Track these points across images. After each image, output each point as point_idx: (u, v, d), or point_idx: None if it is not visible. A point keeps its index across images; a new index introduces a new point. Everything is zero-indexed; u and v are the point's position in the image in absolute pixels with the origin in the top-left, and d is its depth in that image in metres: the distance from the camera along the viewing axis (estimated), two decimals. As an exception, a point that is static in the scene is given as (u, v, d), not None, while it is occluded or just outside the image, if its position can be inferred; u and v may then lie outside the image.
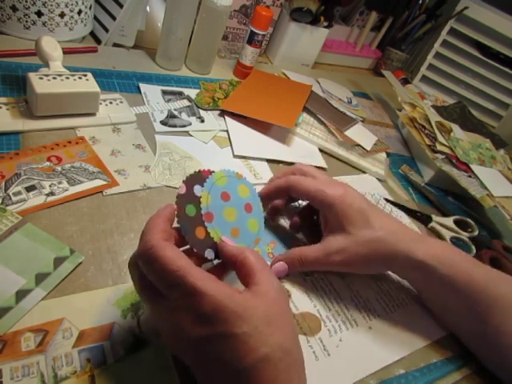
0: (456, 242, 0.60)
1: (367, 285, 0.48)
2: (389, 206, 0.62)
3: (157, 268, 0.28)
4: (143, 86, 0.65)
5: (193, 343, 0.29)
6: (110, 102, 0.58)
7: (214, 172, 0.36)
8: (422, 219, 0.63)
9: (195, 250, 0.33)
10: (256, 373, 0.28)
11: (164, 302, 0.29)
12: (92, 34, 0.72)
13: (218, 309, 0.28)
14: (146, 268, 0.29)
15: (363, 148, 0.71)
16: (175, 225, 0.33)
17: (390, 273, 0.50)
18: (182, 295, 0.28)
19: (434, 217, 0.63)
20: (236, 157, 0.60)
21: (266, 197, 0.46)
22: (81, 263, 0.39)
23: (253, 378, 0.28)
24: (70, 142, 0.50)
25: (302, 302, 0.43)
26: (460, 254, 0.43)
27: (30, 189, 0.43)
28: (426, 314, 0.47)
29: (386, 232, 0.42)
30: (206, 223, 0.33)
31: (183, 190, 0.33)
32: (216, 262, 0.35)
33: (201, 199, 0.34)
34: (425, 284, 0.44)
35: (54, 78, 0.50)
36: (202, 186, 0.35)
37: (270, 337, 0.29)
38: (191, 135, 0.60)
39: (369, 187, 0.66)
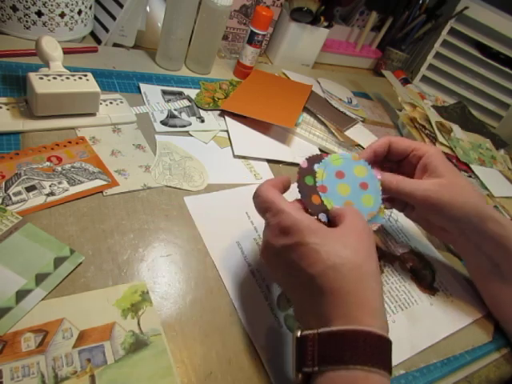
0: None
1: None
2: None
3: (257, 200, 0.39)
4: (143, 86, 0.65)
5: (277, 252, 0.35)
6: (110, 102, 0.58)
7: (330, 155, 0.43)
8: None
9: (310, 211, 0.39)
10: (324, 279, 0.32)
11: (265, 227, 0.38)
12: (92, 33, 0.72)
13: (296, 223, 0.34)
14: (254, 201, 0.39)
15: (363, 148, 0.71)
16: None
17: (390, 274, 0.50)
18: (271, 215, 0.36)
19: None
20: (236, 157, 0.60)
21: (370, 155, 0.51)
22: (81, 263, 0.39)
23: (321, 284, 0.32)
24: (70, 142, 0.50)
25: None
26: None
27: (30, 189, 0.43)
28: (427, 315, 0.47)
29: (473, 188, 0.47)
30: (320, 193, 0.40)
31: (305, 165, 0.41)
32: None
33: (317, 174, 0.41)
34: (495, 255, 0.47)
35: (54, 78, 0.50)
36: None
37: (342, 252, 0.33)
38: (191, 135, 0.60)
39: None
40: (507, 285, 0.46)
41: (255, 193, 0.39)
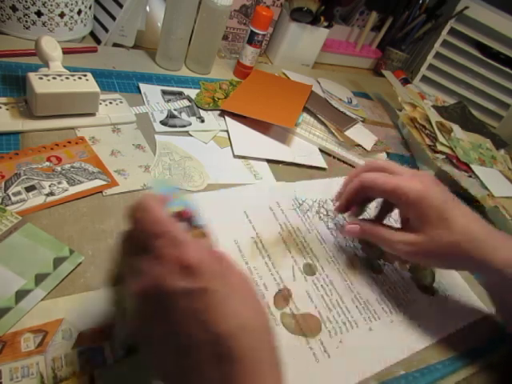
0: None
1: (368, 286, 0.48)
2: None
3: (148, 216, 0.28)
4: (143, 86, 0.65)
5: (168, 298, 0.27)
6: (110, 102, 0.58)
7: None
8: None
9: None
10: (235, 342, 0.26)
11: (147, 256, 0.28)
12: (92, 33, 0.72)
13: (203, 261, 0.27)
14: (138, 217, 0.29)
15: (363, 148, 0.71)
16: None
17: (390, 273, 0.50)
18: (167, 245, 0.27)
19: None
20: (236, 157, 0.60)
21: (345, 205, 0.47)
22: (80, 263, 0.38)
23: (231, 346, 0.26)
24: (69, 142, 0.50)
25: (302, 302, 0.43)
26: None
27: (29, 189, 0.43)
28: (426, 315, 0.47)
29: (464, 237, 0.40)
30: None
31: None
32: None
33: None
34: (500, 291, 0.43)
35: (54, 78, 0.50)
36: None
37: (244, 305, 0.27)
38: (191, 135, 0.60)
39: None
40: None
41: (138, 204, 0.29)
